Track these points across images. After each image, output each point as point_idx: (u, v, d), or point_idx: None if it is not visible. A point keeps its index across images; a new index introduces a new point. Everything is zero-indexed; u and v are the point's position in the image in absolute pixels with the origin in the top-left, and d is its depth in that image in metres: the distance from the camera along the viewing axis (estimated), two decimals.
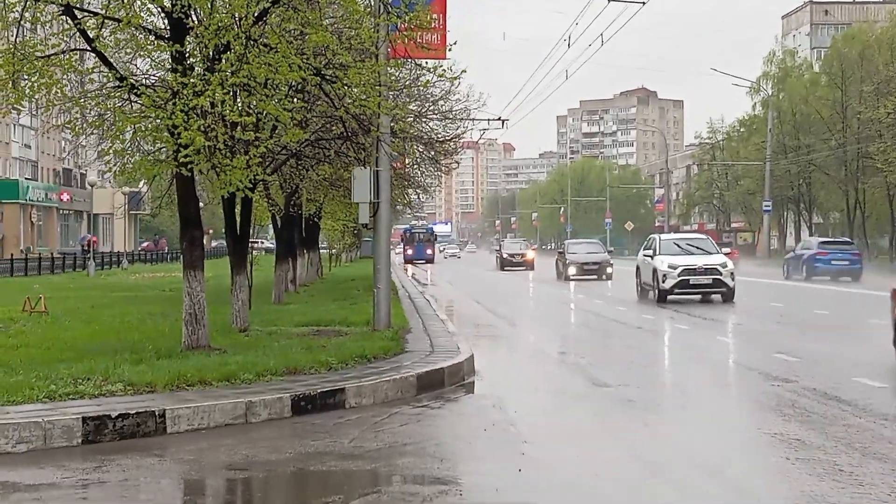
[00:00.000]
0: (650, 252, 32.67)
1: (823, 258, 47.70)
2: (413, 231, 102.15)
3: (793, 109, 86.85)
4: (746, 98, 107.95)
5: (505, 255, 73.44)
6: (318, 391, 12.39)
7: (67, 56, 14.44)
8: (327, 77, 15.49)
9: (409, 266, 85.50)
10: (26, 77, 14.20)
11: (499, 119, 42.11)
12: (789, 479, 8.90)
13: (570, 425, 11.99)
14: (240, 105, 14.82)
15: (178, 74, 13.87)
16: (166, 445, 10.43)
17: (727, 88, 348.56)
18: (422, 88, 26.75)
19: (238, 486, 9.19)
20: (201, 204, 18.23)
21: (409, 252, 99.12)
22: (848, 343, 19.98)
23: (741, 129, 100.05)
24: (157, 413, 10.96)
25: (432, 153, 32.56)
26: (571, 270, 50.21)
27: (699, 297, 31.99)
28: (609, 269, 49.98)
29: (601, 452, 10.31)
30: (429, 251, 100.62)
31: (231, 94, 14.29)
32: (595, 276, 49.93)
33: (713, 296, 31.96)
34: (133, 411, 10.88)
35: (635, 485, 8.97)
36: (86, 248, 70.08)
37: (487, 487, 8.79)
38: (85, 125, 16.91)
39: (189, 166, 14.63)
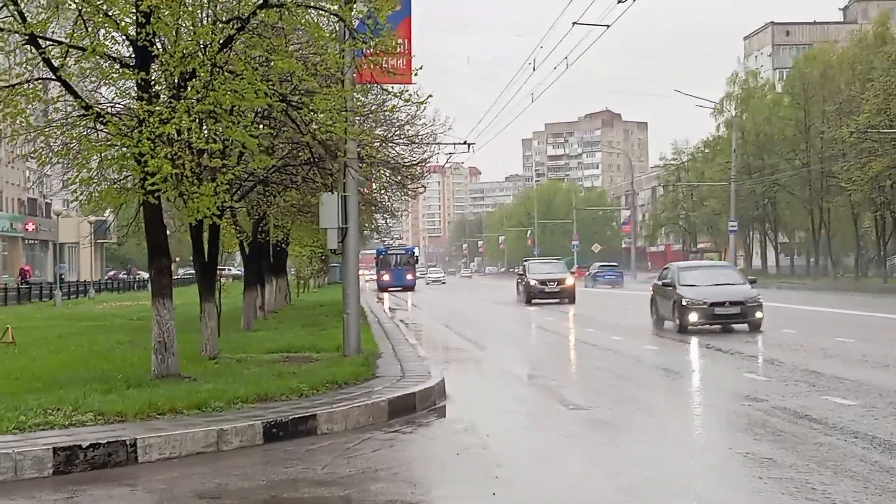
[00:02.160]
0: None
1: (600, 274, 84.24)
2: (389, 253, 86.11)
3: (756, 130, 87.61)
4: (710, 119, 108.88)
5: (532, 283, 51.44)
6: (290, 418, 12.35)
7: (32, 85, 14.38)
8: (293, 103, 15.50)
9: (385, 294, 73.68)
10: None
11: (465, 143, 42.32)
12: (762, 497, 8.92)
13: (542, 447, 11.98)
14: (206, 132, 14.79)
15: (144, 102, 13.85)
16: (138, 475, 10.36)
17: (691, 110, 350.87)
18: (388, 113, 26.81)
19: None
20: (168, 231, 18.14)
21: (386, 277, 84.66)
22: None
23: (705, 150, 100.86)
24: (128, 442, 10.89)
25: (399, 178, 32.61)
26: (692, 317, 28.30)
27: None
28: (759, 314, 28.19)
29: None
30: (409, 276, 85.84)
31: (197, 121, 14.26)
32: (723, 323, 28.71)
33: None
34: (104, 441, 10.81)
35: None
36: (20, 280, 69.29)
37: None
38: (50, 154, 16.82)
39: (156, 194, 14.59)
